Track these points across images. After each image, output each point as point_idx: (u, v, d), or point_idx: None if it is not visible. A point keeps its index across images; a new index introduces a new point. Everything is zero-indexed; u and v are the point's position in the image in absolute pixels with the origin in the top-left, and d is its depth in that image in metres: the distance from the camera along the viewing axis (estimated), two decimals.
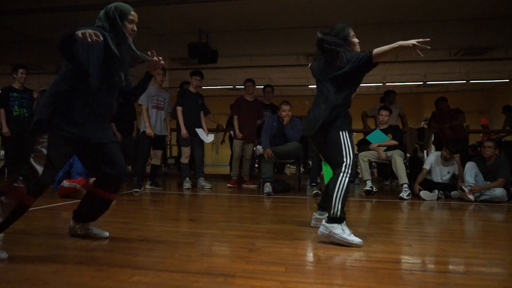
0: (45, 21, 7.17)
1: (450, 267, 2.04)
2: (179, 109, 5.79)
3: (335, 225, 2.41)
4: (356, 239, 2.36)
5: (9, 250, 2.16)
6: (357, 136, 7.68)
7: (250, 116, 6.12)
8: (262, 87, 6.81)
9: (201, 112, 5.99)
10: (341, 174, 2.51)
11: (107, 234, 2.48)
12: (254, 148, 5.86)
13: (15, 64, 5.61)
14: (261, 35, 7.98)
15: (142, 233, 2.66)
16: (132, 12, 2.33)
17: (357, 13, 6.77)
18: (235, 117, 6.17)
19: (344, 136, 2.60)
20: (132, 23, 2.33)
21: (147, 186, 5.65)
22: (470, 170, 4.85)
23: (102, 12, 2.30)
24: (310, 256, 2.19)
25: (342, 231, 2.39)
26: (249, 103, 6.21)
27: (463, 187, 4.72)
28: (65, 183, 4.36)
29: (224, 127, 8.06)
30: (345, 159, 2.54)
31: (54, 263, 1.91)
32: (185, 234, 2.66)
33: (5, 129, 5.38)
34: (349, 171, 2.52)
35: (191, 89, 5.95)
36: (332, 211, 2.45)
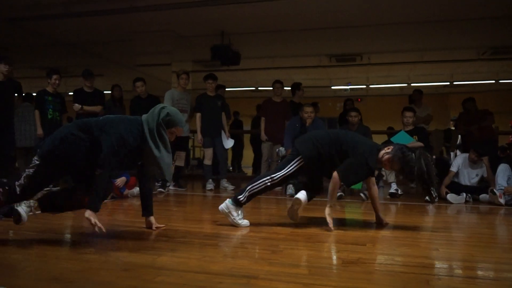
0: (72, 25, 7.37)
1: (479, 272, 1.98)
2: (198, 115, 5.86)
3: (235, 207, 2.96)
4: (243, 222, 2.96)
5: (39, 249, 2.22)
6: (381, 138, 7.57)
7: (277, 117, 6.12)
8: (290, 88, 6.79)
9: (223, 114, 6.02)
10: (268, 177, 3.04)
11: None
12: (277, 150, 5.86)
13: (49, 70, 5.75)
14: (283, 36, 7.96)
15: (166, 233, 2.69)
16: (180, 128, 2.59)
17: (381, 13, 6.67)
18: (262, 119, 6.19)
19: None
20: (172, 134, 2.58)
21: (171, 187, 5.72)
22: (503, 173, 4.68)
23: (158, 108, 2.54)
24: (333, 259, 2.17)
25: (237, 214, 2.96)
26: (276, 104, 6.22)
27: (494, 190, 4.58)
28: None
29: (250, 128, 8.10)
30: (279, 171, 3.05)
31: (80, 262, 1.95)
32: (209, 235, 2.67)
33: (40, 131, 5.52)
34: (274, 180, 3.05)
35: (209, 92, 5.99)
36: (240, 196, 2.97)
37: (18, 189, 2.44)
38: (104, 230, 2.32)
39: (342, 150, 2.97)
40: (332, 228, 2.85)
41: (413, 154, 2.82)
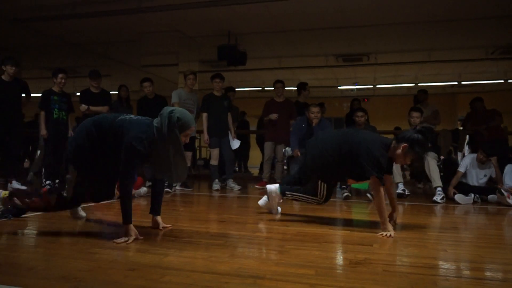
0: (80, 26, 7.42)
1: (487, 273, 1.97)
2: (204, 115, 5.85)
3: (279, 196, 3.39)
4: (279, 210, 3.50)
5: (47, 248, 2.24)
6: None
7: (280, 117, 6.11)
8: (296, 88, 6.78)
9: (229, 114, 6.02)
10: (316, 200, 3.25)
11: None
12: (283, 150, 5.86)
13: (55, 69, 5.74)
14: (290, 36, 7.96)
15: (173, 233, 2.70)
16: (192, 128, 2.54)
17: (387, 13, 6.65)
18: (265, 119, 6.19)
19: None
20: (187, 137, 2.54)
21: (177, 188, 5.74)
22: (511, 173, 4.66)
23: (167, 112, 2.46)
24: (340, 260, 2.16)
25: (279, 200, 3.43)
26: (279, 104, 6.21)
27: (502, 191, 4.54)
28: None
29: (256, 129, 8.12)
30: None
31: (88, 261, 1.97)
32: (215, 235, 2.68)
33: (44, 132, 5.54)
34: (320, 203, 3.27)
35: (216, 92, 5.98)
36: (289, 192, 3.34)
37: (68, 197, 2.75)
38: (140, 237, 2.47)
39: (352, 153, 2.91)
40: (393, 235, 2.70)
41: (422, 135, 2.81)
